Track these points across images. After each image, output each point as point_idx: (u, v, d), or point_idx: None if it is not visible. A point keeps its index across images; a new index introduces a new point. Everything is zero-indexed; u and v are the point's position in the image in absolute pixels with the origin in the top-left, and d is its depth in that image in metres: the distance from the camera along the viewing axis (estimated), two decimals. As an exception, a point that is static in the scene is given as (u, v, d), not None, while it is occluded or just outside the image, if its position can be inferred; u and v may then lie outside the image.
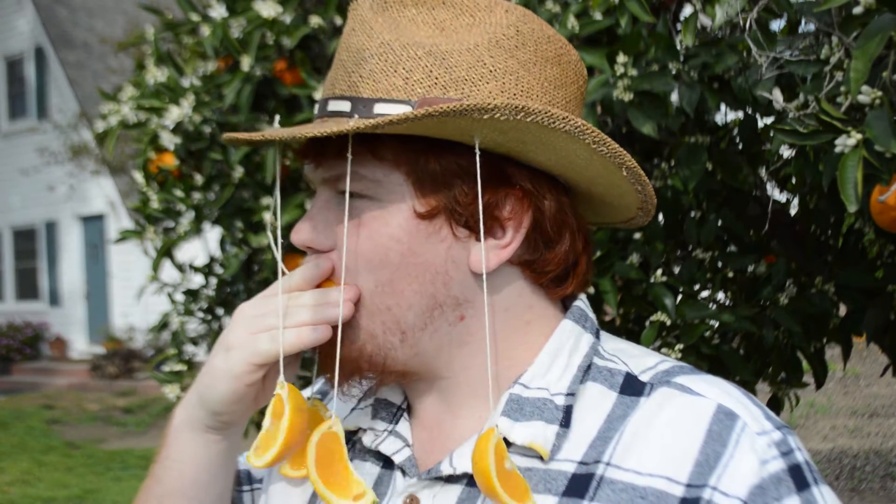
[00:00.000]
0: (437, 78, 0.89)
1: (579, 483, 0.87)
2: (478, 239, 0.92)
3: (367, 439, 1.00)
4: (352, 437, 1.02)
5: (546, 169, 0.94)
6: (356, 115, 0.89)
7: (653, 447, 0.86)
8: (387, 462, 0.99)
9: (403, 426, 0.99)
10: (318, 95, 2.70)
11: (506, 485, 0.83)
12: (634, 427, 0.88)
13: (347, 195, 0.90)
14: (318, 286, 0.94)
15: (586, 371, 0.94)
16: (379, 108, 0.89)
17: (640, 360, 0.96)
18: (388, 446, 0.97)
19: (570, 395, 0.92)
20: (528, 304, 0.97)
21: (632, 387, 0.92)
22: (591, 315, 1.00)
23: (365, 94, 0.90)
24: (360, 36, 0.92)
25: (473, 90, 0.90)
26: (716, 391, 0.90)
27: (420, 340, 0.93)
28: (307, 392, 1.08)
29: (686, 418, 0.87)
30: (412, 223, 0.91)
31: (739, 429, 0.85)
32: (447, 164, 0.90)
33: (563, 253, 0.95)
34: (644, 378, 0.93)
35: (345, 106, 0.90)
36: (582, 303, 1.00)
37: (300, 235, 0.94)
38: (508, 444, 0.90)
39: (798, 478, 0.84)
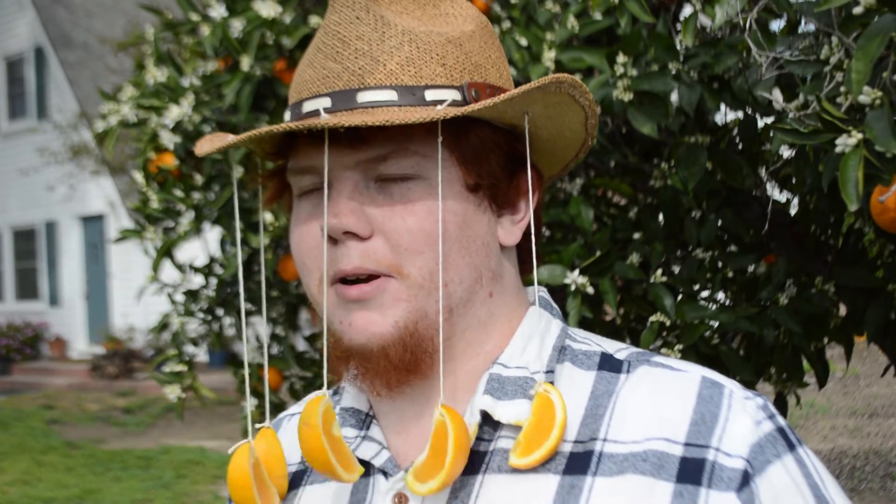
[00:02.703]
0: (464, 64, 0.92)
1: (579, 461, 0.88)
2: (501, 214, 0.96)
3: None
4: None
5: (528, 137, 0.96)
6: (405, 104, 0.89)
7: (645, 417, 0.88)
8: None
9: (376, 431, 0.97)
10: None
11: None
12: (624, 402, 0.90)
13: (440, 175, 0.89)
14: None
15: (561, 352, 0.95)
16: (430, 95, 0.89)
17: (611, 343, 0.98)
18: (365, 451, 0.95)
19: (550, 372, 0.93)
20: (519, 286, 1.00)
21: (609, 363, 0.94)
22: (555, 305, 1.02)
23: (409, 83, 0.89)
24: (370, 25, 0.91)
25: (490, 73, 0.94)
26: (695, 367, 0.92)
27: (459, 320, 0.92)
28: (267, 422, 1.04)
29: (674, 388, 0.89)
30: (463, 195, 0.92)
31: (728, 394, 0.88)
32: (483, 137, 0.93)
33: (539, 232, 0.98)
34: (620, 356, 0.95)
35: (389, 95, 0.89)
36: (544, 293, 1.02)
37: (343, 220, 0.88)
38: (495, 423, 0.91)
39: (786, 438, 0.87)
